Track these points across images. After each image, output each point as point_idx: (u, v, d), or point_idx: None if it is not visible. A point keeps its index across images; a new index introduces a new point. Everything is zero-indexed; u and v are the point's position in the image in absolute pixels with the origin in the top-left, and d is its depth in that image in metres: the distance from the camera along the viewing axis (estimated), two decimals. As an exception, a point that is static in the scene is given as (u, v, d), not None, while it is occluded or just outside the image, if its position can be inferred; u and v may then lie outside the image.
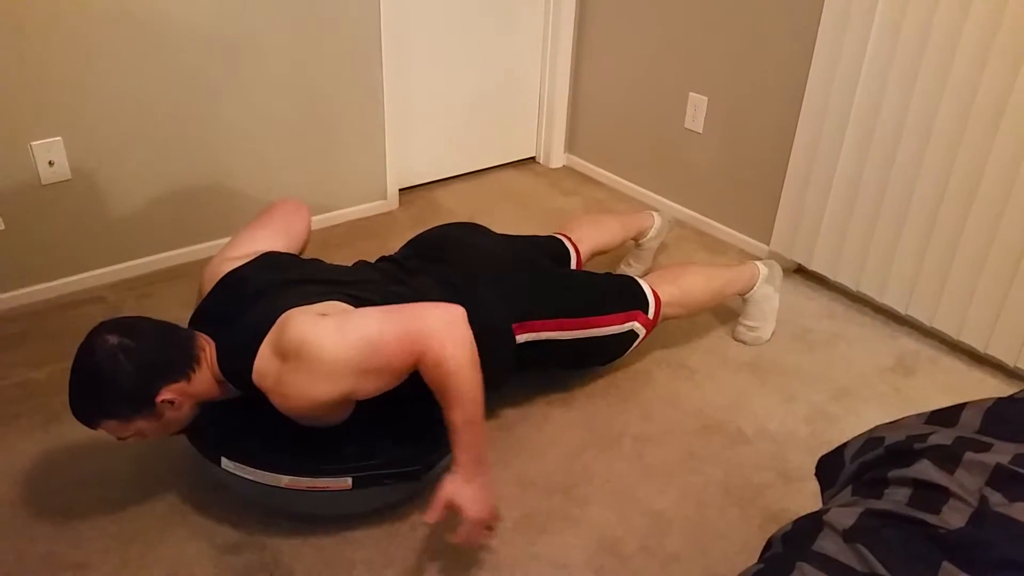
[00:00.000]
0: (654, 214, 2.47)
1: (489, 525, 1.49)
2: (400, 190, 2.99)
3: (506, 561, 1.57)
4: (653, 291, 1.97)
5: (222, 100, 2.41)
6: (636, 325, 1.93)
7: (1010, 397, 1.14)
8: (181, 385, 1.47)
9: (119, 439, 1.50)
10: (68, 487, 1.69)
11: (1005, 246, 2.00)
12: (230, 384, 1.53)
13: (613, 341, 1.92)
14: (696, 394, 2.04)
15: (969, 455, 1.00)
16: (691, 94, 2.73)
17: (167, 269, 2.49)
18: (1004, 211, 1.97)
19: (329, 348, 1.39)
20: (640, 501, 1.72)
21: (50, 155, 2.18)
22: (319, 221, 2.76)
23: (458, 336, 1.46)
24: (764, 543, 1.12)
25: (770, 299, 2.22)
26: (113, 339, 1.43)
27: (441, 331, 1.44)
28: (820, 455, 1.27)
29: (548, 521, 1.66)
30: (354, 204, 2.83)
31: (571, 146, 3.32)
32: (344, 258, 2.51)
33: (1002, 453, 0.99)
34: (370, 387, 1.47)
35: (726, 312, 2.36)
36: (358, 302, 1.56)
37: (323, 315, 1.46)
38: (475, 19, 2.91)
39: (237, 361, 1.48)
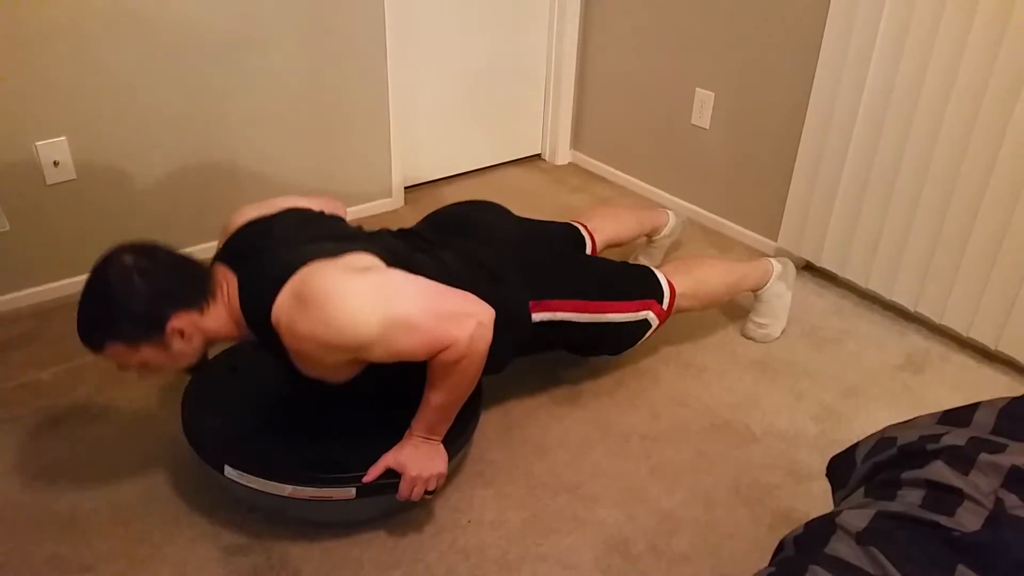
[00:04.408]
0: (669, 213, 2.46)
1: (428, 487, 1.53)
2: (405, 188, 2.97)
3: (514, 561, 1.56)
4: (668, 282, 1.95)
5: (227, 99, 2.40)
6: (650, 315, 1.91)
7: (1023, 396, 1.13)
8: (193, 316, 1.42)
9: (122, 368, 1.45)
10: (74, 488, 1.69)
11: (1016, 241, 1.98)
12: (245, 325, 1.49)
13: (626, 329, 1.90)
14: (704, 392, 2.03)
15: (983, 456, 0.98)
16: (698, 90, 2.71)
17: (173, 268, 2.48)
18: (1015, 206, 1.95)
19: (351, 310, 1.36)
20: (648, 501, 1.71)
21: (55, 155, 2.18)
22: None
23: (483, 340, 1.47)
24: (774, 543, 1.11)
25: (782, 297, 2.21)
26: (129, 259, 1.39)
27: (472, 335, 1.44)
28: (830, 454, 1.26)
29: (556, 521, 1.65)
30: (360, 203, 2.82)
31: (577, 143, 3.30)
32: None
33: (1017, 454, 0.98)
34: (381, 357, 1.44)
35: (735, 309, 2.35)
36: (387, 256, 1.52)
37: (355, 270, 1.43)
38: (480, 15, 2.90)
39: (257, 299, 1.44)
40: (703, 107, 2.71)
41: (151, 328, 1.39)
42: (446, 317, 1.44)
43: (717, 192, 2.78)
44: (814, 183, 2.39)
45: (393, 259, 1.53)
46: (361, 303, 1.39)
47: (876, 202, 2.24)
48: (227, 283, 1.49)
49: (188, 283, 1.44)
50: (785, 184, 2.51)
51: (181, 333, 1.42)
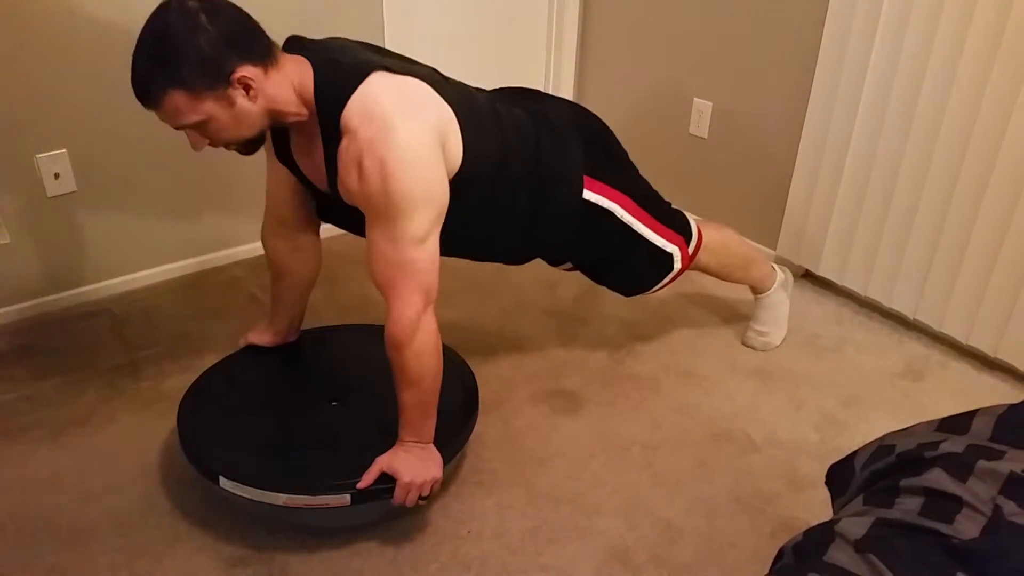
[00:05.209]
0: None
1: (422, 494, 1.52)
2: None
3: (515, 571, 1.56)
4: (698, 228, 1.97)
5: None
6: (677, 252, 1.90)
7: (1022, 403, 1.13)
8: (259, 71, 1.35)
9: (177, 127, 1.39)
10: (75, 501, 1.69)
11: (1014, 248, 1.98)
12: (312, 104, 1.41)
13: (653, 257, 1.88)
14: (705, 401, 2.03)
15: (981, 463, 0.98)
16: (696, 100, 2.72)
17: (173, 281, 2.49)
18: (1013, 213, 1.96)
19: (409, 179, 1.34)
20: (649, 510, 1.71)
21: (55, 167, 2.19)
22: (322, 233, 2.76)
23: (424, 331, 1.44)
24: (774, 552, 1.11)
25: (783, 304, 2.21)
26: (193, 2, 1.31)
27: (411, 319, 1.42)
28: (830, 462, 1.26)
29: (557, 531, 1.65)
30: (359, 213, 2.82)
31: (576, 153, 3.31)
32: (353, 276, 2.52)
33: (1015, 461, 0.98)
34: (367, 216, 1.42)
35: (734, 317, 2.35)
36: (466, 122, 1.49)
37: (439, 149, 1.40)
38: (479, 29, 2.92)
39: (339, 83, 1.37)
40: (701, 117, 2.72)
41: (217, 75, 1.32)
42: (417, 283, 1.41)
43: (715, 201, 2.78)
44: (812, 191, 2.40)
45: (469, 123, 1.49)
46: (413, 187, 1.35)
47: (875, 210, 2.25)
48: (294, 64, 1.41)
49: (255, 35, 1.36)
50: (783, 193, 2.51)
51: (247, 87, 1.35)
